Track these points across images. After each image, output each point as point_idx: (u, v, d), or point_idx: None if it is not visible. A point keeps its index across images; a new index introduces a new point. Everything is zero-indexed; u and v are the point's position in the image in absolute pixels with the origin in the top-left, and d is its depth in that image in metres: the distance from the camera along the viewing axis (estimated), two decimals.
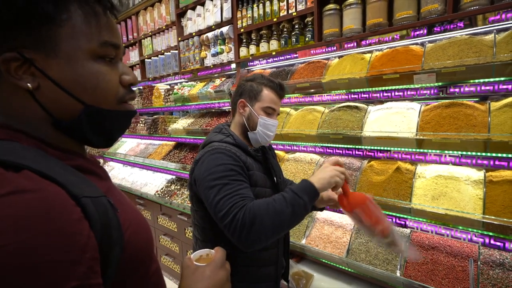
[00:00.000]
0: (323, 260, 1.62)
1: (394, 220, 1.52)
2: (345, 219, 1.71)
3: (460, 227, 1.32)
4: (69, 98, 0.44)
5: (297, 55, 2.06)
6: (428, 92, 1.49)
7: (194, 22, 2.70)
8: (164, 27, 3.07)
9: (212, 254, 0.60)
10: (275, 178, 1.18)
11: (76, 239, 0.35)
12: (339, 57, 1.89)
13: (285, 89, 1.17)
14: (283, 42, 2.07)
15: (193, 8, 2.69)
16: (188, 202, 2.57)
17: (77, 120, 0.46)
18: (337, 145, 1.83)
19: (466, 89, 1.37)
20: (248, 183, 1.00)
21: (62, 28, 0.42)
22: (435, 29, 1.45)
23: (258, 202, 0.89)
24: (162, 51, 3.14)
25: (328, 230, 1.68)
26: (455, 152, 1.39)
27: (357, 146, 1.74)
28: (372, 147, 1.68)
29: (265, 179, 1.12)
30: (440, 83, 1.44)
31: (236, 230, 0.86)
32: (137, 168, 3.51)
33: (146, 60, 3.37)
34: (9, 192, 0.33)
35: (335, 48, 1.84)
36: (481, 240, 1.28)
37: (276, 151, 2.16)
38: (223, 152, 1.00)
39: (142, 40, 3.41)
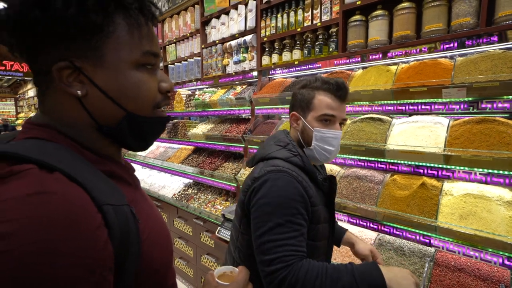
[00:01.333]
0: None
1: (417, 237, 1.47)
2: (364, 234, 1.66)
3: (490, 250, 1.26)
4: (113, 105, 0.46)
5: (320, 65, 2.06)
6: (458, 107, 1.45)
7: (218, 30, 2.76)
8: (188, 34, 3.16)
9: (236, 272, 0.59)
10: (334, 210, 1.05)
11: (92, 246, 0.35)
12: (363, 68, 1.88)
13: (346, 88, 0.97)
14: (306, 52, 2.07)
15: (218, 17, 2.76)
16: (205, 206, 2.60)
17: (118, 126, 0.48)
18: (359, 157, 1.80)
19: (499, 105, 1.32)
20: (307, 224, 0.87)
21: (109, 39, 0.44)
22: (466, 42, 1.41)
23: (307, 268, 0.77)
24: (186, 57, 3.23)
25: None
26: (485, 170, 1.33)
27: (379, 159, 1.71)
28: (396, 161, 1.64)
29: (326, 213, 0.98)
30: (470, 98, 1.39)
31: (272, 284, 0.79)
32: (156, 170, 3.58)
33: (169, 65, 3.47)
34: (36, 192, 0.34)
35: (359, 59, 1.83)
36: None
37: None
38: (289, 179, 0.86)
39: (167, 47, 3.52)
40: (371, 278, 0.75)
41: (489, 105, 1.35)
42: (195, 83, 3.17)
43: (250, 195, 0.90)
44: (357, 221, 1.71)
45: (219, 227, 2.17)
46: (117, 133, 0.49)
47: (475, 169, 1.36)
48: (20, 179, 0.35)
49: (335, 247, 1.28)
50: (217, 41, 2.78)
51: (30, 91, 10.23)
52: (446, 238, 1.36)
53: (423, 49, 1.56)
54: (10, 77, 9.00)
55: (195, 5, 3.00)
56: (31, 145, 0.41)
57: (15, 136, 0.46)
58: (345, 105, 1.01)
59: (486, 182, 1.36)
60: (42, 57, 0.43)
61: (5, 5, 0.40)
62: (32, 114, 9.88)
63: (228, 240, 2.02)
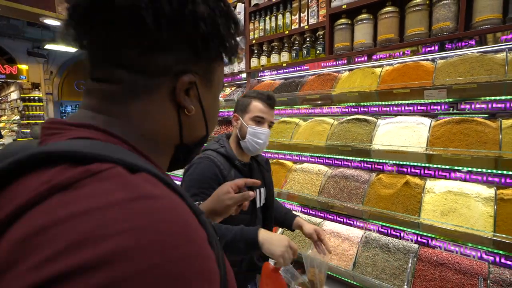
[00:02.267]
0: (329, 273, 1.61)
1: (401, 234, 1.51)
2: (351, 232, 1.70)
3: (470, 244, 1.31)
4: (202, 125, 0.46)
5: (308, 67, 2.10)
6: (439, 107, 1.50)
7: None
8: None
9: None
10: (259, 199, 1.24)
11: (210, 265, 0.28)
12: (349, 70, 1.92)
13: (274, 99, 1.26)
14: (294, 54, 2.11)
15: None
16: None
17: (195, 145, 0.48)
18: (345, 157, 1.84)
19: (477, 106, 1.38)
20: None
21: (218, 67, 0.46)
22: (446, 46, 1.47)
23: None
24: None
25: (335, 242, 1.67)
26: (465, 168, 1.39)
27: (365, 159, 1.75)
28: (381, 160, 1.69)
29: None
30: (451, 99, 1.45)
31: None
32: None
33: None
34: (137, 196, 0.26)
35: (345, 61, 1.88)
36: (491, 258, 1.26)
37: (284, 161, 2.17)
38: (209, 163, 1.13)
39: None
40: (248, 235, 0.95)
41: (468, 106, 1.41)
42: None
43: (184, 174, 1.16)
44: (344, 220, 1.75)
45: None
46: (191, 151, 0.48)
47: (456, 167, 1.42)
48: (106, 181, 0.27)
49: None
50: None
51: (13, 94, 9.94)
52: (429, 234, 1.41)
53: (406, 52, 1.62)
54: None
55: None
56: (89, 144, 0.32)
57: (30, 144, 0.36)
58: (273, 111, 1.27)
59: (465, 180, 1.41)
60: (165, 58, 0.39)
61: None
62: (15, 117, 9.59)
63: None
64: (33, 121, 8.82)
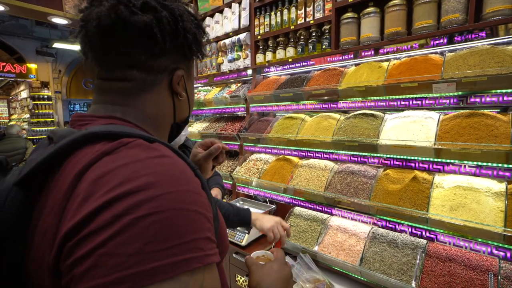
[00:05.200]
0: (336, 268, 1.61)
1: (410, 230, 1.50)
2: (359, 227, 1.69)
3: (480, 240, 1.29)
4: (187, 107, 0.63)
5: (313, 62, 2.08)
6: (448, 101, 1.48)
7: (212, 28, 2.77)
8: None
9: (269, 255, 0.69)
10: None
11: (203, 200, 0.41)
12: (356, 65, 1.90)
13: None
14: (300, 49, 2.09)
15: (212, 16, 2.76)
16: None
17: (183, 123, 0.65)
18: (352, 152, 1.83)
19: (488, 99, 1.35)
20: None
21: (192, 63, 0.63)
22: (455, 38, 1.44)
23: None
24: None
25: (342, 238, 1.67)
26: (475, 162, 1.36)
27: (372, 154, 1.73)
28: (388, 156, 1.67)
29: None
30: (460, 93, 1.42)
31: None
32: None
33: None
34: (158, 155, 0.41)
35: (351, 56, 1.85)
36: (502, 253, 1.24)
37: (290, 157, 2.17)
38: None
39: None
40: (242, 213, 1.12)
41: (477, 99, 1.38)
42: None
43: None
44: (351, 216, 1.74)
45: None
46: (179, 128, 0.64)
47: (465, 162, 1.40)
48: (134, 148, 0.41)
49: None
50: (211, 40, 2.78)
51: (23, 92, 10.12)
52: (437, 230, 1.40)
53: (414, 45, 1.59)
54: (2, 79, 8.90)
55: (189, 4, 3.00)
56: (116, 127, 0.46)
57: (72, 129, 0.49)
58: None
59: (475, 174, 1.39)
60: (167, 60, 0.55)
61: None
62: (25, 115, 9.77)
63: None
64: (43, 119, 8.97)
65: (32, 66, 8.92)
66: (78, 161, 0.40)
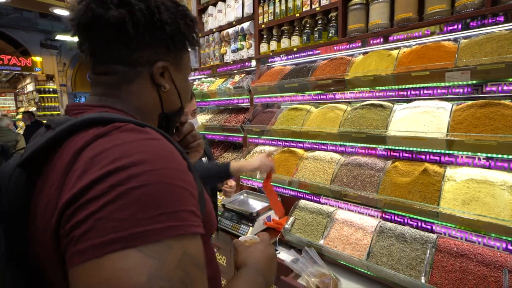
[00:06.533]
0: (342, 262, 1.57)
1: (419, 224, 1.45)
2: (366, 221, 1.65)
3: (493, 235, 1.24)
4: (177, 99, 0.64)
5: (319, 51, 2.01)
6: (461, 90, 1.41)
7: (215, 18, 2.70)
8: None
9: (256, 239, 0.74)
10: (205, 158, 1.59)
11: (190, 178, 0.45)
12: (364, 53, 1.83)
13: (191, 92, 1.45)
14: (305, 38, 2.02)
15: (214, 4, 2.69)
16: None
17: (173, 115, 0.65)
18: (359, 144, 1.77)
19: (505, 87, 1.28)
20: None
21: (185, 55, 0.63)
22: (471, 24, 1.36)
23: None
24: None
25: (348, 231, 1.63)
26: (489, 154, 1.30)
27: (381, 146, 1.68)
28: (397, 147, 1.61)
29: None
30: (474, 81, 1.35)
31: None
32: None
33: None
34: (149, 138, 0.45)
35: (359, 44, 1.78)
36: None
37: (295, 149, 2.12)
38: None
39: None
40: (220, 167, 1.31)
41: (493, 88, 1.31)
42: (193, 73, 3.12)
43: None
44: (358, 209, 1.70)
45: (219, 217, 2.16)
46: (170, 120, 0.65)
47: (479, 154, 1.33)
48: (126, 132, 0.45)
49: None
50: (214, 30, 2.72)
51: (29, 86, 10.18)
52: (448, 224, 1.35)
53: (426, 32, 1.51)
54: (8, 72, 8.94)
55: None
56: (108, 114, 0.50)
57: (68, 117, 0.52)
58: (193, 99, 1.48)
59: (489, 167, 1.33)
60: (148, 53, 0.56)
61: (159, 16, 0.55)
62: (32, 108, 9.85)
63: (229, 230, 2.02)
64: (49, 112, 9.04)
65: (37, 59, 8.94)
66: (75, 143, 0.44)
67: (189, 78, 3.29)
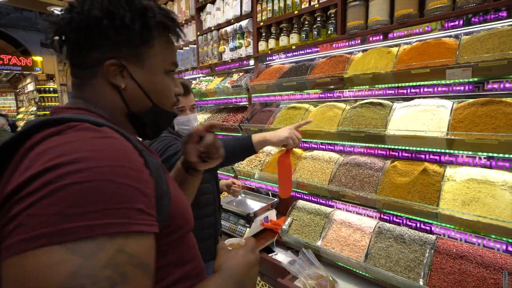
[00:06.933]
0: (339, 264, 1.55)
1: (418, 225, 1.42)
2: (364, 222, 1.62)
3: (493, 236, 1.21)
4: (144, 97, 0.61)
5: (318, 49, 1.98)
6: (462, 88, 1.37)
7: (213, 16, 2.67)
8: (183, 22, 3.06)
9: (243, 242, 0.68)
10: None
11: (142, 176, 0.45)
12: (363, 51, 1.80)
13: (188, 86, 1.39)
14: (304, 35, 1.99)
15: (213, 2, 2.66)
16: None
17: (144, 114, 0.62)
18: (358, 144, 1.74)
19: (507, 85, 1.24)
20: None
21: (150, 49, 0.59)
22: (472, 19, 1.33)
23: None
24: (181, 46, 3.14)
25: (346, 232, 1.60)
26: (490, 154, 1.27)
27: (380, 145, 1.65)
28: (397, 147, 1.58)
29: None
30: (476, 79, 1.32)
31: None
32: None
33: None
34: (102, 136, 0.45)
35: (359, 41, 1.75)
36: None
37: (293, 149, 2.09)
38: (172, 137, 1.31)
39: None
40: (242, 141, 1.14)
41: (495, 86, 1.28)
42: (191, 72, 3.09)
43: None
44: (356, 210, 1.67)
45: None
46: (142, 119, 0.62)
47: (479, 153, 1.30)
48: (80, 130, 0.45)
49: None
50: (212, 28, 2.69)
51: (30, 85, 10.19)
52: (448, 225, 1.32)
53: (426, 28, 1.48)
54: (9, 71, 8.95)
55: None
56: (73, 114, 0.52)
57: (39, 118, 0.54)
58: (190, 95, 1.43)
59: (490, 167, 1.30)
60: (96, 53, 0.55)
61: (81, 8, 0.53)
62: (32, 108, 9.86)
63: (226, 231, 1.99)
64: (49, 112, 9.04)
65: (38, 58, 8.94)
66: (32, 141, 0.45)
67: (188, 77, 3.28)
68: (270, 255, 1.78)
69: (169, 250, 0.56)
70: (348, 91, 1.83)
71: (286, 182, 1.47)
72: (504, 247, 1.19)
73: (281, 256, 1.77)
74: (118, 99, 0.59)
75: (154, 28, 0.58)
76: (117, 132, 0.49)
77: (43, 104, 9.10)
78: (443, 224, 1.33)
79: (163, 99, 0.63)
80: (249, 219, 1.92)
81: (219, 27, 2.62)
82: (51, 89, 9.29)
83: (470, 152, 1.33)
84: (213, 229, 1.49)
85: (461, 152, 1.35)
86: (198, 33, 2.85)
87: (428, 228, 1.39)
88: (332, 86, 1.83)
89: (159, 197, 0.49)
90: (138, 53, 0.58)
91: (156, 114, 0.63)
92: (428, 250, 1.31)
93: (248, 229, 1.87)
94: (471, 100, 1.34)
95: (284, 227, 1.81)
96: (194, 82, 2.98)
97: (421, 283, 1.22)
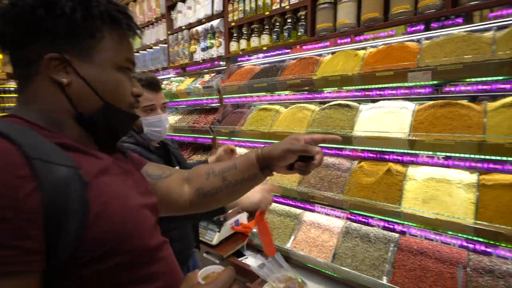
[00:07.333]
0: (309, 265, 1.54)
1: (382, 224, 1.45)
2: (332, 222, 1.63)
3: (450, 232, 1.26)
4: (93, 95, 0.54)
5: (289, 51, 1.99)
6: (423, 90, 1.43)
7: (184, 15, 2.60)
8: (153, 20, 2.97)
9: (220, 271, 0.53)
10: (177, 165, 1.35)
11: (10, 194, 0.38)
12: (332, 53, 1.82)
13: (156, 80, 1.24)
14: (275, 36, 1.99)
15: (184, 1, 2.60)
16: None
17: (95, 114, 0.55)
18: (326, 145, 1.76)
19: (462, 88, 1.31)
20: None
21: (98, 43, 0.54)
22: (432, 25, 1.39)
23: None
24: (151, 44, 3.04)
25: (315, 233, 1.60)
26: (448, 154, 1.32)
27: (347, 146, 1.67)
28: (363, 148, 1.61)
29: None
30: (435, 82, 1.37)
31: None
32: None
33: (135, 54, 3.26)
34: None
35: (328, 43, 1.77)
36: (471, 246, 1.21)
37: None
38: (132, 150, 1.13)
39: None
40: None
41: (452, 89, 1.34)
42: (162, 72, 3.00)
43: None
44: (325, 210, 1.68)
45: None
46: (93, 121, 0.55)
47: (438, 153, 1.36)
48: None
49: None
50: (183, 27, 2.62)
51: None
52: (410, 223, 1.36)
53: (391, 32, 1.53)
54: None
55: None
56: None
57: None
58: (161, 93, 1.27)
59: (448, 166, 1.35)
60: (34, 47, 0.50)
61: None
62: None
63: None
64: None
65: None
66: None
67: (161, 77, 3.17)
68: (240, 259, 1.74)
69: (113, 277, 0.48)
70: (318, 93, 1.85)
71: (270, 241, 1.39)
72: (459, 242, 1.24)
73: (251, 260, 1.73)
74: (61, 97, 0.52)
75: (98, 18, 0.53)
76: (2, 136, 0.42)
77: (2, 105, 8.43)
78: (406, 222, 1.37)
79: (117, 97, 0.57)
80: (219, 223, 1.86)
81: (190, 26, 2.56)
82: (12, 89, 8.64)
83: (430, 152, 1.38)
84: (184, 243, 1.36)
85: (421, 152, 1.40)
86: (169, 32, 2.77)
87: (391, 226, 1.42)
88: (302, 88, 1.83)
89: (58, 219, 0.41)
90: (85, 47, 0.53)
91: (110, 114, 0.57)
92: (391, 248, 1.34)
93: (217, 233, 1.82)
94: (431, 102, 1.40)
95: (254, 230, 1.78)
96: (164, 82, 2.89)
97: (384, 281, 1.24)
